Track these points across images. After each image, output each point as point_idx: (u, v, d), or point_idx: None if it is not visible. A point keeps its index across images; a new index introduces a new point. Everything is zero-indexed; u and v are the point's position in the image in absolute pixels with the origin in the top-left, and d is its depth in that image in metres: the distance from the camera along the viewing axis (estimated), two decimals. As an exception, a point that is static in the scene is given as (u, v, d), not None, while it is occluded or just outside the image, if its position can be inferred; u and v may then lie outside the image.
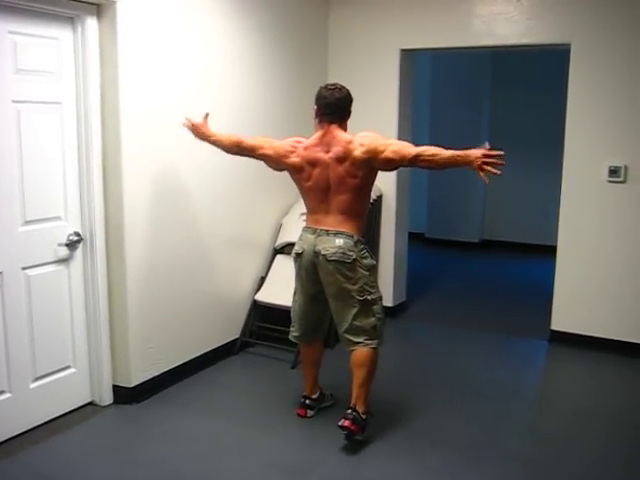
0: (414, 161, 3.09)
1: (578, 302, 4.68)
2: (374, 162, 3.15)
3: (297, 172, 3.30)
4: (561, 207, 4.67)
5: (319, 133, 3.26)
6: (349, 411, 3.20)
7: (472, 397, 3.87)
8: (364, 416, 3.22)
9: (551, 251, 4.80)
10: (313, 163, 3.22)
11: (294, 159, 3.27)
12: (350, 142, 3.17)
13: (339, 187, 3.19)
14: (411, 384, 4.07)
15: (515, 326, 5.23)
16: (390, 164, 3.18)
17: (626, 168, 4.39)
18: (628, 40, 4.30)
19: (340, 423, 3.16)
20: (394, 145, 3.19)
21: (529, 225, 8.00)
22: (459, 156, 2.99)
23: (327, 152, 3.20)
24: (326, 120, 3.23)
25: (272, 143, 3.36)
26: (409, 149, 3.12)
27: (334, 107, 3.22)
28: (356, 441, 3.20)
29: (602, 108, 4.44)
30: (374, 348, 3.26)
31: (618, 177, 4.41)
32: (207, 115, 3.49)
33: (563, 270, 4.71)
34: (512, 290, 6.38)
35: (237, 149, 3.43)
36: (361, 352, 3.25)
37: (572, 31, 4.44)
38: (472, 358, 4.56)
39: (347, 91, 3.27)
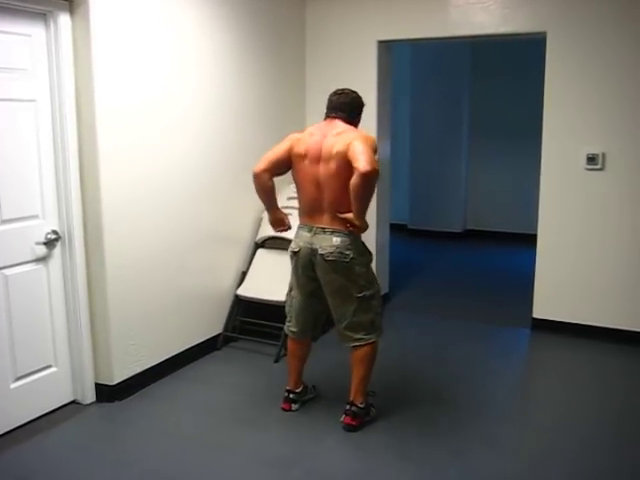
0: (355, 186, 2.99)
1: (559, 290, 4.72)
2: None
3: (301, 160, 3.19)
4: (540, 195, 4.70)
5: (322, 122, 3.26)
6: (347, 407, 3.30)
7: (456, 386, 3.90)
8: (362, 405, 3.31)
9: (534, 240, 4.83)
10: (309, 153, 3.16)
11: (300, 149, 3.19)
12: (349, 144, 3.03)
13: (328, 185, 3.14)
14: (395, 375, 4.08)
15: (498, 315, 5.27)
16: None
17: (604, 155, 4.42)
18: (602, 28, 4.33)
19: (342, 420, 3.29)
20: (360, 162, 2.95)
21: (512, 214, 8.05)
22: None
23: (325, 138, 3.15)
24: (330, 115, 3.24)
25: (276, 152, 3.25)
26: (355, 178, 2.96)
27: (337, 108, 3.22)
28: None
29: (578, 96, 4.46)
30: (373, 342, 3.30)
31: (596, 165, 4.44)
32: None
33: (543, 258, 4.75)
34: (495, 279, 6.42)
35: (271, 176, 3.27)
36: (361, 349, 3.28)
37: (547, 20, 4.46)
38: (456, 348, 4.58)
39: (354, 96, 3.28)
